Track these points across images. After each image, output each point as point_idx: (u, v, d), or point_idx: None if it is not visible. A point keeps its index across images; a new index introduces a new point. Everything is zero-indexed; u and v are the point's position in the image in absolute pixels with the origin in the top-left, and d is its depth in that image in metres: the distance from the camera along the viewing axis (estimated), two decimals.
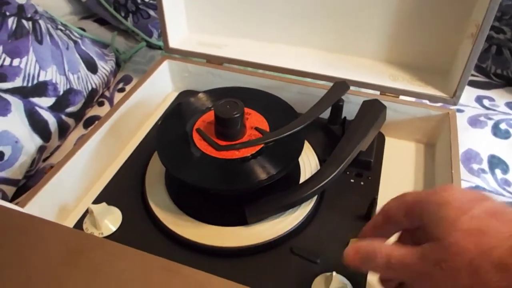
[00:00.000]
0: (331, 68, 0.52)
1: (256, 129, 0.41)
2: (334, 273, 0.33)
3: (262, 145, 0.39)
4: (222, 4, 0.57)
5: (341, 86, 0.46)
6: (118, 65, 0.71)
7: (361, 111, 0.44)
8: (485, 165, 0.52)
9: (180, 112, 0.45)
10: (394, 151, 0.50)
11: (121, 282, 0.23)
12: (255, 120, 0.42)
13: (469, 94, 0.64)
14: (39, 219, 0.30)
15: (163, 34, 0.57)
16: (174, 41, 0.58)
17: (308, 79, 0.53)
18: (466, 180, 0.50)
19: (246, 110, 0.43)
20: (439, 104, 0.49)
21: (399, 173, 0.47)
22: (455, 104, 0.47)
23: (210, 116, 0.43)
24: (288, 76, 0.54)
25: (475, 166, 0.52)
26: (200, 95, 0.46)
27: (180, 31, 0.60)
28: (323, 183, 0.38)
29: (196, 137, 0.41)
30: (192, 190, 0.42)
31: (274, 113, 0.43)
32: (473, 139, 0.55)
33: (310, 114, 0.43)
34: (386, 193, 0.44)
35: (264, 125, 0.42)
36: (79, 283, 0.24)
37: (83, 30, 0.76)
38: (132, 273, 0.24)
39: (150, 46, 0.78)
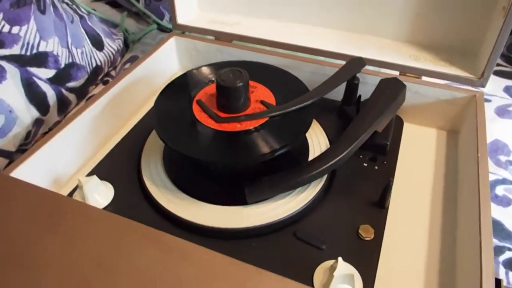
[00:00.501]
0: (347, 47, 0.49)
1: (262, 102, 0.38)
2: (339, 259, 0.29)
3: (266, 119, 0.36)
4: None
5: (356, 62, 0.43)
6: (126, 45, 0.68)
7: (378, 89, 0.41)
8: None
9: (181, 84, 0.42)
10: (413, 137, 0.46)
11: (97, 248, 0.20)
12: (261, 94, 0.39)
13: (496, 84, 0.60)
14: (20, 181, 0.28)
15: (171, 10, 0.54)
16: (183, 18, 0.55)
17: (323, 58, 0.49)
18: (493, 172, 0.46)
19: (252, 83, 0.40)
20: (465, 87, 0.44)
21: (418, 161, 0.43)
22: (483, 86, 0.43)
23: (213, 88, 0.40)
24: (301, 54, 0.51)
25: (503, 158, 0.47)
26: (204, 67, 0.43)
27: (190, 8, 0.57)
28: (332, 162, 0.35)
29: (196, 109, 0.38)
30: (189, 165, 0.39)
31: (282, 88, 0.40)
32: (501, 130, 0.50)
33: (320, 90, 0.39)
34: (403, 180, 0.41)
35: (271, 99, 0.39)
36: (55, 248, 0.21)
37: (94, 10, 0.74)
38: (109, 239, 0.21)
39: (161, 29, 0.76)
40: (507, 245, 0.38)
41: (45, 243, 0.21)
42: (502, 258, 0.37)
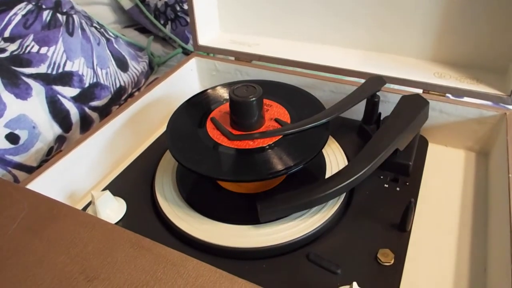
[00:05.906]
0: (368, 65, 0.48)
1: (276, 120, 0.37)
2: (354, 284, 0.27)
3: (279, 137, 0.35)
4: (255, 3, 0.54)
5: (376, 80, 0.41)
6: (152, 68, 0.70)
7: (399, 106, 0.39)
8: None
9: (196, 103, 0.42)
10: (439, 158, 0.44)
11: (82, 254, 0.20)
12: (275, 112, 0.38)
13: None
14: (17, 186, 0.28)
15: (192, 32, 0.55)
16: (204, 39, 0.56)
17: (343, 77, 0.48)
18: None
19: (268, 101, 0.40)
20: (495, 105, 0.42)
21: (444, 183, 0.41)
22: None
23: (227, 106, 0.39)
24: (321, 73, 0.50)
25: None
26: (219, 87, 0.43)
27: (211, 30, 0.58)
28: (349, 180, 0.33)
29: (209, 127, 0.37)
30: (201, 183, 0.38)
31: (298, 106, 0.39)
32: None
33: (337, 108, 0.38)
34: (427, 203, 0.38)
35: (286, 117, 0.38)
36: (36, 251, 0.20)
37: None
38: (97, 246, 0.20)
39: (186, 53, 0.77)
40: None
41: (32, 247, 0.20)
42: None
